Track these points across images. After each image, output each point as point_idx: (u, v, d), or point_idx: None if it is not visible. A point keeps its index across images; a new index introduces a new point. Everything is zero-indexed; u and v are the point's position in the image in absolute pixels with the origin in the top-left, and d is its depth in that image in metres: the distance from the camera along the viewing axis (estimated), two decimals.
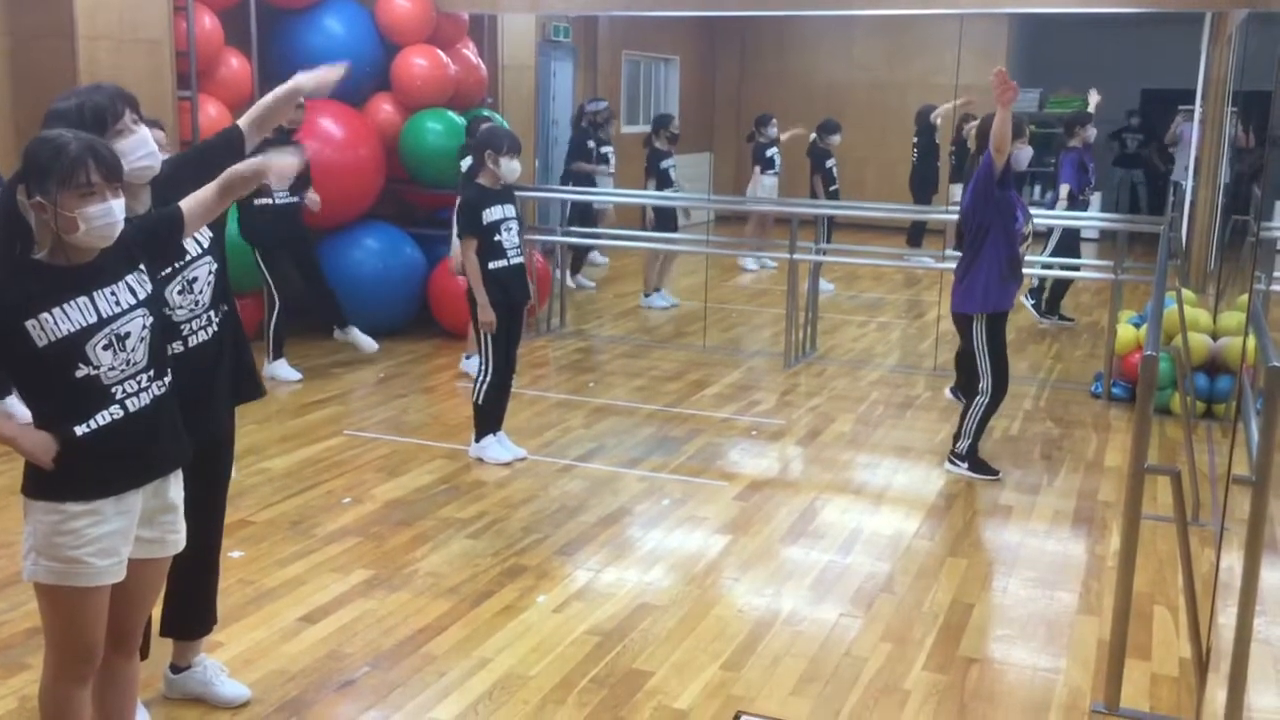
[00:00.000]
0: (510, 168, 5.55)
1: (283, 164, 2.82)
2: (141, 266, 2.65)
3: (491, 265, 5.54)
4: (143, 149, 2.93)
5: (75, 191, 2.45)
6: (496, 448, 5.75)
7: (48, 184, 2.45)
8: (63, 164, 2.45)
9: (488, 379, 5.69)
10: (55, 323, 2.47)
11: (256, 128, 3.24)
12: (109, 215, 2.50)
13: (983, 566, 4.66)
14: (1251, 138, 10.87)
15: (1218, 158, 9.46)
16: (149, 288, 2.64)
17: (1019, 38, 15.55)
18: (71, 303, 2.50)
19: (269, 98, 3.27)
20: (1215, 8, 8.97)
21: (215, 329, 3.19)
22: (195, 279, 3.12)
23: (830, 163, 11.20)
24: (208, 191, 2.80)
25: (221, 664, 3.52)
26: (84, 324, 2.50)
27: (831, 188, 11.15)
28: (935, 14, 11.62)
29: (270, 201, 6.98)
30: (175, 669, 3.45)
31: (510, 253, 5.59)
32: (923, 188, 12.32)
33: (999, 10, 12.80)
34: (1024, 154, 5.53)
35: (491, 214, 5.54)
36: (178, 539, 2.79)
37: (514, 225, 5.64)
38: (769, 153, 11.60)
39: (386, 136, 8.28)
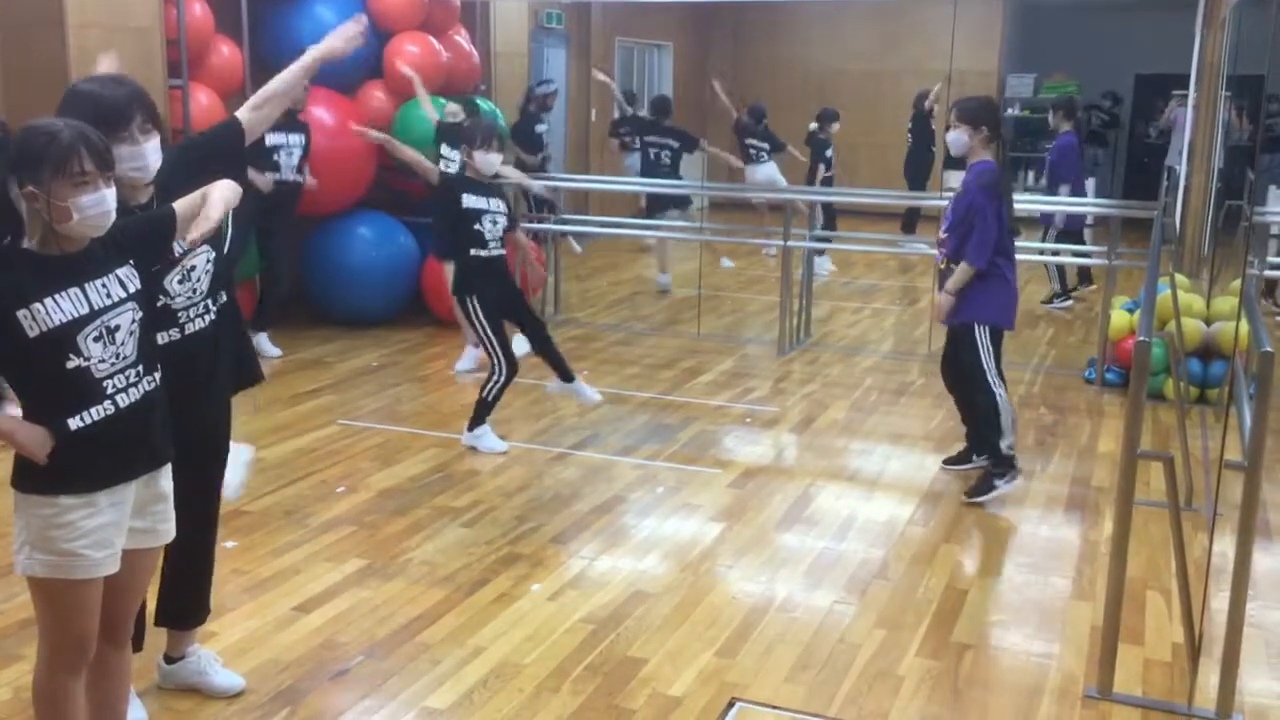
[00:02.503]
0: (487, 161, 5.53)
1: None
2: (131, 261, 2.64)
3: (472, 252, 5.56)
4: (137, 160, 2.88)
5: (68, 180, 2.44)
6: (491, 437, 5.75)
7: (40, 173, 2.44)
8: (55, 152, 2.44)
9: (500, 379, 5.65)
10: (47, 313, 2.46)
11: (274, 102, 3.34)
12: (102, 204, 2.49)
13: (976, 552, 4.67)
14: (1245, 122, 10.87)
15: (1211, 143, 9.45)
16: (139, 283, 2.64)
17: (1013, 22, 15.52)
18: (64, 293, 2.49)
19: (296, 68, 3.43)
20: None
21: (212, 317, 3.18)
22: (193, 267, 3.10)
23: (829, 151, 11.22)
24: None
25: (215, 654, 3.52)
26: (76, 315, 2.49)
27: (827, 174, 11.15)
28: None
29: (278, 176, 7.24)
30: (169, 659, 3.45)
31: (491, 244, 5.58)
32: (916, 174, 12.30)
33: None
34: (948, 137, 5.22)
35: (469, 200, 5.54)
36: (168, 528, 2.79)
37: (499, 219, 5.61)
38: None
39: (379, 124, 8.23)
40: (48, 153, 2.44)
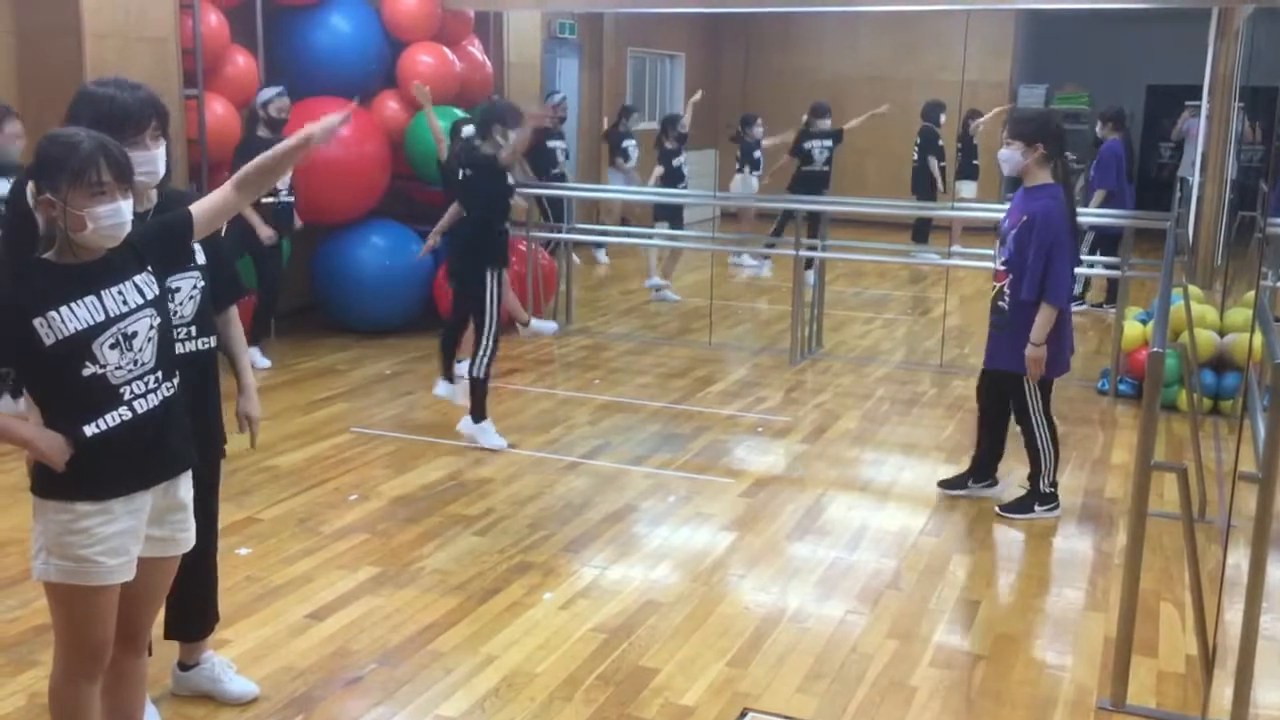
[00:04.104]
0: (522, 136, 5.84)
1: (327, 125, 2.81)
2: (150, 268, 2.65)
3: (507, 226, 6.00)
4: (147, 165, 2.88)
5: (85, 190, 2.46)
6: (494, 435, 5.87)
7: (58, 181, 2.46)
8: (74, 162, 2.46)
9: (489, 351, 5.78)
10: (63, 321, 2.48)
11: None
12: (117, 215, 2.51)
13: (989, 563, 4.66)
14: (1258, 133, 10.86)
15: (1225, 154, 9.44)
16: (156, 289, 2.64)
17: (1025, 33, 15.53)
18: (79, 301, 2.50)
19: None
20: (1222, 3, 8.95)
21: (195, 346, 3.13)
22: (179, 289, 3.06)
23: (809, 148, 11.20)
24: (257, 163, 2.78)
25: (229, 660, 3.53)
26: (91, 322, 2.51)
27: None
28: (942, 10, 11.60)
29: (275, 200, 7.14)
30: (183, 666, 3.46)
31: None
32: (924, 187, 12.21)
33: (1006, 7, 12.78)
34: (999, 155, 4.91)
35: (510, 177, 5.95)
36: (187, 537, 2.80)
37: None
38: (756, 153, 11.64)
39: (392, 133, 8.28)
40: (66, 162, 2.46)
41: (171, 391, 2.67)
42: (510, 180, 5.87)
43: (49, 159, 2.48)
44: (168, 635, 3.44)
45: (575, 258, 10.71)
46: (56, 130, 2.55)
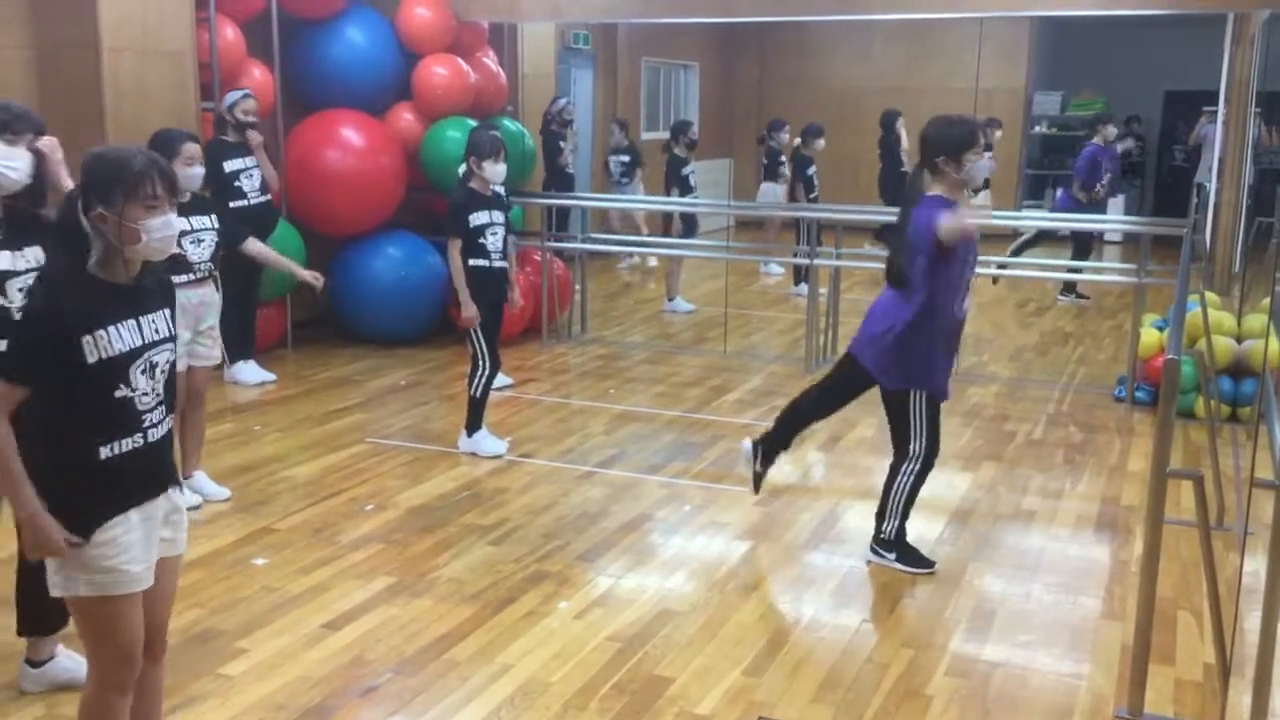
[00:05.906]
0: (495, 170, 5.70)
1: None
2: (168, 309, 2.74)
3: (473, 263, 5.71)
4: (6, 160, 3.19)
5: (140, 203, 2.54)
6: (490, 441, 5.91)
7: (113, 195, 2.53)
8: (129, 176, 2.54)
9: (486, 373, 5.83)
10: (109, 341, 2.53)
11: None
12: (168, 228, 2.60)
13: (1005, 571, 4.64)
14: (1276, 138, 10.83)
15: (1241, 159, 9.41)
16: (173, 330, 2.73)
17: (1040, 40, 15.51)
18: (125, 323, 2.57)
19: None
20: (1237, 9, 8.93)
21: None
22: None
23: (811, 169, 10.98)
24: None
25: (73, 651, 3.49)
26: (132, 345, 2.57)
27: (811, 195, 10.86)
28: (956, 17, 11.59)
29: (246, 203, 7.04)
30: (33, 664, 3.49)
31: (493, 255, 5.76)
32: (889, 191, 12.06)
33: (1020, 13, 12.76)
34: (981, 166, 4.48)
35: (478, 218, 5.71)
36: (184, 536, 2.86)
37: (500, 231, 5.79)
38: (781, 159, 11.59)
39: (407, 145, 8.32)
40: (121, 177, 2.54)
41: (170, 426, 2.76)
42: (484, 215, 5.70)
43: (102, 175, 2.56)
44: (21, 632, 3.48)
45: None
46: (104, 149, 2.65)
